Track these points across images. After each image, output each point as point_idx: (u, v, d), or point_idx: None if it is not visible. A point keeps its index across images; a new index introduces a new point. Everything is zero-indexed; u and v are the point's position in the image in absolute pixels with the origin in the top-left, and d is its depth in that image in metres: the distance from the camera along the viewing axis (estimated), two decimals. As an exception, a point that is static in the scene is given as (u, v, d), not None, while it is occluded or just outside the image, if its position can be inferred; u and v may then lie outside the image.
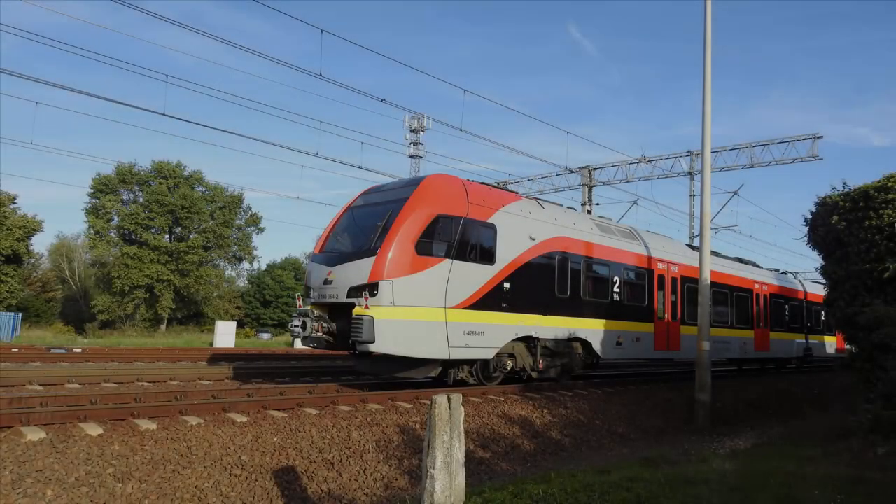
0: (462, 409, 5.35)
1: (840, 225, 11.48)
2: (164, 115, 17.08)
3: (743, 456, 9.39)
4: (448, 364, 12.49)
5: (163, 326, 50.81)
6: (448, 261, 11.62)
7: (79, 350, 19.30)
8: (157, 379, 13.40)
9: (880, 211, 10.90)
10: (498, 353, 12.74)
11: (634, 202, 31.12)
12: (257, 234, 57.40)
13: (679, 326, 18.18)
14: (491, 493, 6.01)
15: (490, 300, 12.35)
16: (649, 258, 17.35)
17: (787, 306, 25.00)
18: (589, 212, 29.45)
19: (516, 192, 14.74)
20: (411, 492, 7.69)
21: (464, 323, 11.78)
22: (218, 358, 18.66)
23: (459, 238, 11.87)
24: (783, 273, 27.15)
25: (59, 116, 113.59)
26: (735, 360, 23.93)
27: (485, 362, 12.92)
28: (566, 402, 13.02)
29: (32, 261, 54.69)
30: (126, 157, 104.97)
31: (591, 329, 14.98)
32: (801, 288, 26.69)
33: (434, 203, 11.73)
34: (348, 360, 17.09)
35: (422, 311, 11.20)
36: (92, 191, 49.05)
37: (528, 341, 13.53)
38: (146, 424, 7.82)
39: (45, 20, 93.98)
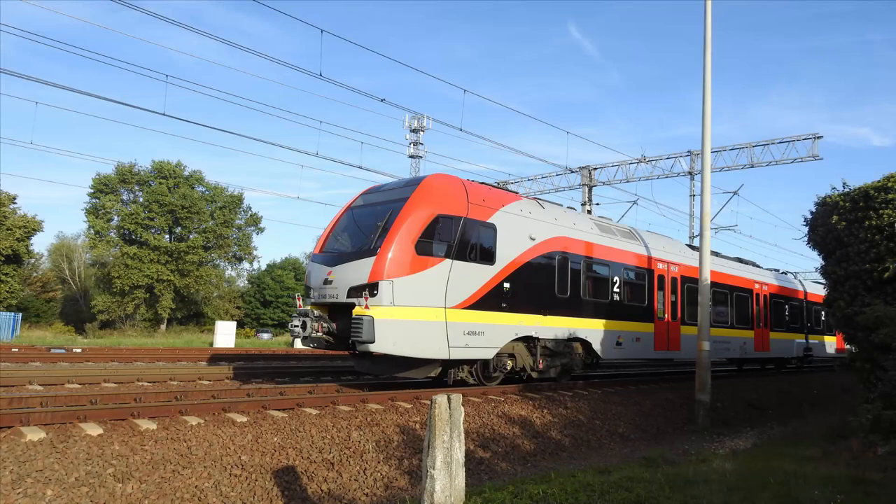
0: (462, 409, 5.35)
1: (840, 225, 11.48)
2: (164, 115, 17.15)
3: (743, 456, 9.39)
4: (448, 364, 12.48)
5: (163, 326, 50.80)
6: (448, 261, 11.61)
7: (79, 350, 19.30)
8: (157, 379, 13.39)
9: (880, 211, 10.90)
10: (498, 353, 12.73)
11: (634, 202, 31.21)
12: (257, 234, 57.49)
13: (679, 326, 18.18)
14: (491, 493, 6.00)
15: (490, 300, 12.34)
16: (649, 258, 17.35)
17: (787, 306, 25.00)
18: (589, 212, 29.45)
19: (516, 192, 14.73)
20: (411, 492, 7.69)
21: (464, 323, 11.77)
22: (218, 358, 18.66)
23: (459, 238, 11.87)
24: (783, 273, 27.14)
25: (59, 116, 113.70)
26: (735, 360, 23.94)
27: (485, 362, 12.92)
28: (566, 402, 13.02)
29: (32, 261, 54.72)
30: (126, 157, 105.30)
31: (591, 329, 14.98)
32: (801, 288, 26.68)
33: (434, 203, 11.73)
34: (348, 360, 17.09)
35: (422, 311, 11.19)
36: (92, 191, 49.09)
37: (528, 341, 13.52)
38: (146, 424, 7.81)
39: (45, 20, 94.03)
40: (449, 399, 5.29)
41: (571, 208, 17.39)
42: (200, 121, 53.58)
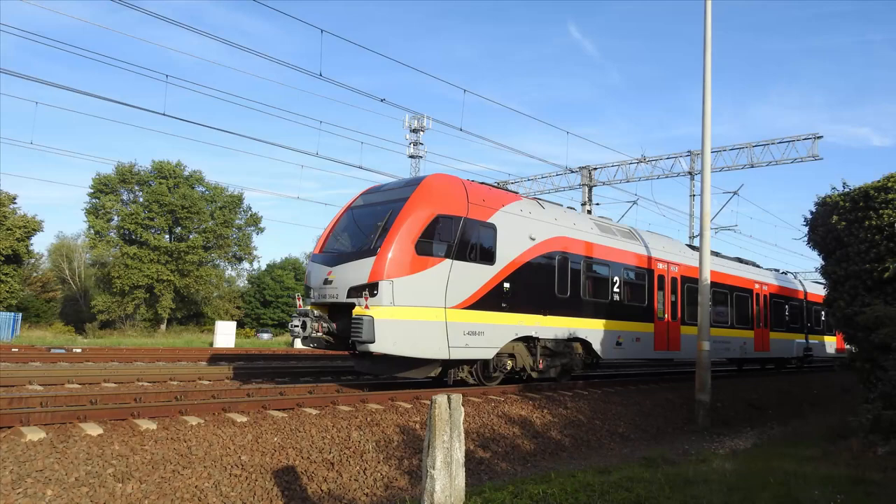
0: (462, 409, 5.35)
1: (840, 225, 11.48)
2: (164, 115, 17.16)
3: (743, 456, 9.39)
4: (448, 364, 12.48)
5: (163, 326, 50.80)
6: (448, 261, 11.61)
7: (79, 350, 19.30)
8: (157, 379, 13.39)
9: (880, 211, 10.90)
10: (498, 353, 12.73)
11: (634, 202, 31.22)
12: (257, 234, 57.49)
13: (679, 326, 18.18)
14: (491, 493, 6.00)
15: (490, 300, 12.34)
16: (649, 258, 17.35)
17: (787, 306, 25.00)
18: (589, 212, 29.45)
19: (516, 192, 14.73)
20: (411, 492, 7.69)
21: (464, 323, 11.77)
22: (218, 358, 18.66)
23: (459, 238, 11.87)
24: (783, 273, 27.14)
25: (59, 116, 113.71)
26: (735, 360, 23.94)
27: (485, 362, 12.91)
28: (566, 402, 13.02)
29: (32, 261, 54.72)
30: (126, 157, 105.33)
31: (591, 329, 14.98)
32: (801, 288, 26.68)
33: (434, 203, 11.73)
34: (348, 360, 17.09)
35: (422, 311, 11.19)
36: (92, 191, 49.10)
37: (528, 341, 13.52)
38: (146, 424, 7.81)
39: (45, 20, 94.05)
40: (449, 399, 5.28)
41: (571, 208, 17.39)
42: (200, 121, 53.74)
